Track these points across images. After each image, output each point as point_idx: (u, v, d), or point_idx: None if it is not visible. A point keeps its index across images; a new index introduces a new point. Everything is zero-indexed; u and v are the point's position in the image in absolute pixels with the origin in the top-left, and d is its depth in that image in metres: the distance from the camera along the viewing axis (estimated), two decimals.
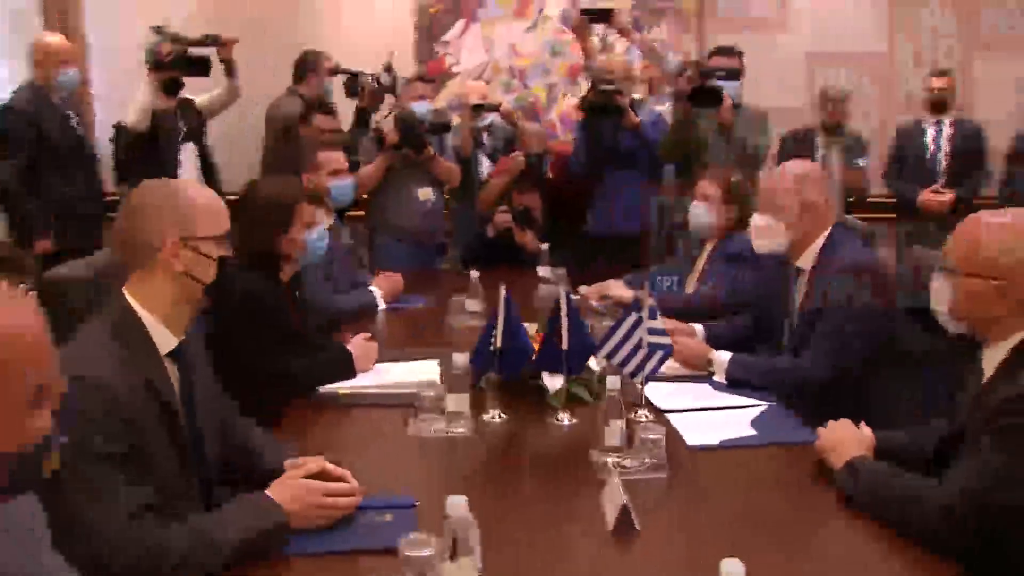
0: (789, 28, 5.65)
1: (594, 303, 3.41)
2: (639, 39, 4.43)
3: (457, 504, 1.32)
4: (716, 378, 2.50)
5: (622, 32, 4.50)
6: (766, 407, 2.28)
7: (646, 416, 2.18)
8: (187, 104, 4.32)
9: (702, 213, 3.34)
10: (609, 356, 2.31)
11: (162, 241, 1.62)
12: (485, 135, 4.80)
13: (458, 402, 2.13)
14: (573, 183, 4.60)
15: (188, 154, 4.29)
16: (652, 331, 2.23)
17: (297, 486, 1.61)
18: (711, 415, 2.24)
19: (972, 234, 1.68)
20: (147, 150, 4.07)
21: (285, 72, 5.20)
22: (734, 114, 4.06)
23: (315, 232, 2.74)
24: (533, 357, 2.28)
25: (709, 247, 3.44)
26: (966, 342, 2.35)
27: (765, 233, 2.58)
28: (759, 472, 1.94)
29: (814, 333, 2.42)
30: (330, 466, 1.69)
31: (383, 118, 4.40)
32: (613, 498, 1.68)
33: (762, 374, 2.44)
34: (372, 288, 3.47)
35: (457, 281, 3.78)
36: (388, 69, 4.49)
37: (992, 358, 1.67)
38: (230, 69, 4.34)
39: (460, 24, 5.37)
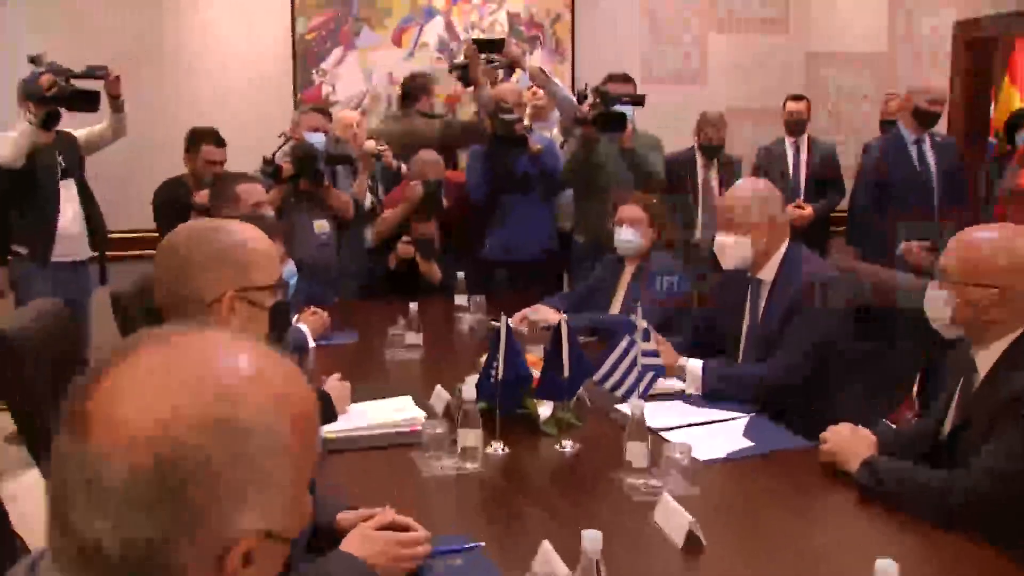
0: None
1: (522, 328, 3.46)
2: (528, 67, 4.54)
3: (594, 538, 1.35)
4: (688, 390, 2.61)
5: (515, 61, 4.61)
6: (747, 418, 2.42)
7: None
8: (66, 138, 4.04)
9: (631, 237, 3.48)
10: (603, 380, 2.39)
11: (218, 294, 1.53)
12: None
13: (472, 438, 2.13)
14: (469, 209, 4.65)
15: (68, 190, 4.00)
16: (645, 353, 2.32)
17: (375, 539, 1.57)
18: (703, 430, 2.36)
19: (970, 247, 1.88)
20: (25, 186, 3.76)
21: (159, 107, 4.99)
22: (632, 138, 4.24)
23: (285, 269, 2.65)
24: (534, 386, 2.31)
25: (630, 268, 3.59)
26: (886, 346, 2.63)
27: (731, 250, 2.74)
28: (778, 479, 2.06)
29: (785, 339, 2.58)
30: (399, 516, 1.66)
31: (278, 149, 4.27)
32: (673, 517, 1.75)
33: (738, 381, 2.58)
34: (300, 325, 3.37)
35: (382, 313, 3.76)
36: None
37: (987, 357, 1.88)
38: (117, 104, 4.09)
39: (337, 52, 5.31)
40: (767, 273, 2.73)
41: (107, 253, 4.30)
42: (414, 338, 3.25)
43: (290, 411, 0.75)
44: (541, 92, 4.76)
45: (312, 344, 3.34)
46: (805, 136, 5.42)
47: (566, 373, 2.25)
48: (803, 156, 5.39)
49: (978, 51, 5.82)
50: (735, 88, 5.80)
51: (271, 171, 4.08)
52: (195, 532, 0.70)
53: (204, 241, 1.56)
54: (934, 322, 1.96)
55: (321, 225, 4.28)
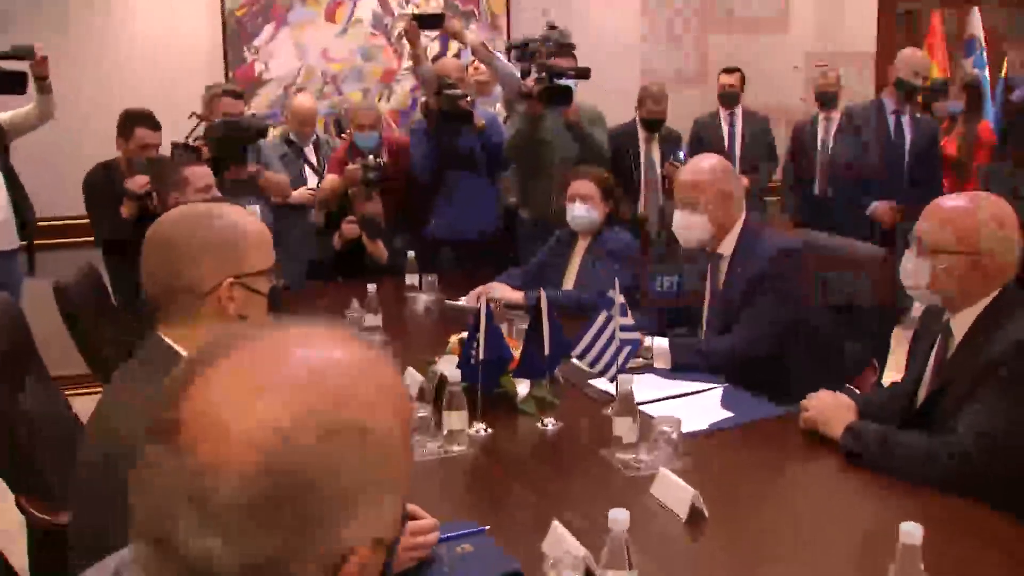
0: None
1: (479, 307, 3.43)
2: (471, 41, 4.47)
3: (621, 519, 1.34)
4: (657, 365, 2.63)
5: (455, 36, 4.53)
6: (721, 389, 2.45)
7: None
8: None
9: (584, 213, 3.48)
10: (582, 355, 2.38)
11: (214, 282, 1.46)
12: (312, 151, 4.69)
13: (458, 420, 2.10)
14: (413, 186, 4.59)
15: None
16: (623, 327, 2.32)
17: None
18: (681, 403, 2.38)
19: (946, 215, 1.93)
20: None
21: (84, 86, 4.77)
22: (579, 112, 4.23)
23: None
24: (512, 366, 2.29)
25: (583, 244, 3.59)
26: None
27: (690, 225, 2.74)
28: (764, 448, 2.09)
29: (754, 309, 2.62)
30: (407, 505, 1.62)
31: (192, 132, 4.11)
32: (674, 490, 1.76)
33: (707, 354, 2.61)
34: None
35: (333, 297, 3.68)
36: None
37: (962, 322, 1.93)
38: (44, 86, 3.87)
39: (269, 28, 5.14)
40: (726, 247, 2.76)
41: (35, 241, 4.09)
42: (373, 320, 3.19)
43: (398, 407, 0.72)
44: (483, 67, 4.70)
45: None
46: (739, 108, 5.50)
47: (546, 350, 2.23)
48: (738, 128, 5.48)
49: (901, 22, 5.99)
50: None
51: (191, 153, 3.91)
52: (316, 544, 0.65)
53: (195, 229, 1.48)
54: (910, 290, 2.01)
55: (253, 210, 4.15)
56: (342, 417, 0.67)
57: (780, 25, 6.02)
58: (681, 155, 4.76)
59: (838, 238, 3.04)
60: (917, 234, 1.97)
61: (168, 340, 1.47)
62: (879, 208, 4.67)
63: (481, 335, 2.19)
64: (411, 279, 3.82)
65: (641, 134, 4.93)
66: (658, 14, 5.81)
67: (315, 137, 4.75)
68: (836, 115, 5.49)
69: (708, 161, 2.83)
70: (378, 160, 4.33)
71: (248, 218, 1.55)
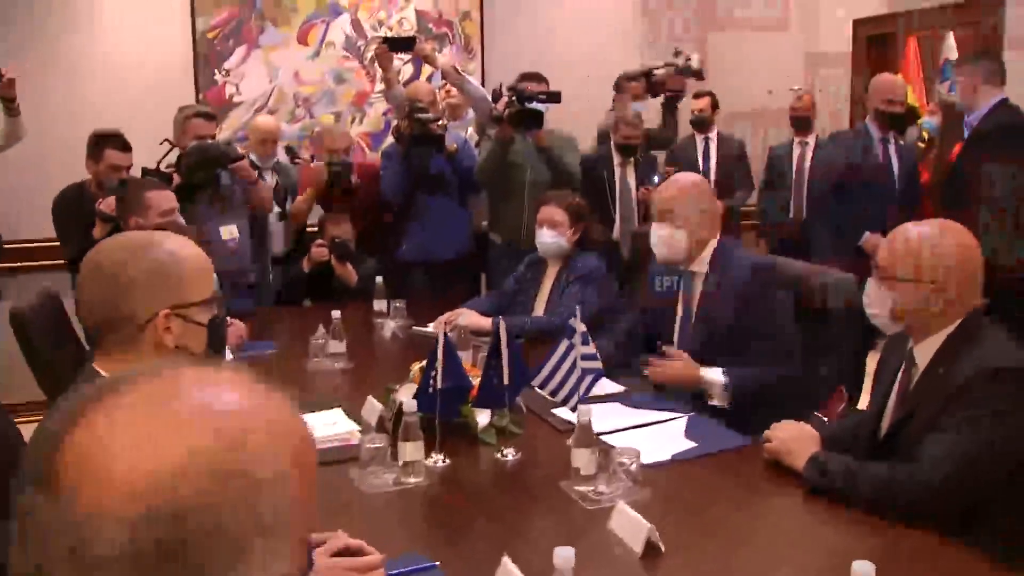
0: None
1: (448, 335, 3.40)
2: (442, 65, 4.46)
3: (567, 557, 1.30)
4: (716, 402, 2.55)
5: (426, 59, 4.53)
6: (686, 418, 2.42)
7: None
8: None
9: (551, 239, 3.46)
10: (543, 384, 2.35)
11: (150, 313, 1.42)
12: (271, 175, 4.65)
13: (414, 450, 2.06)
14: (384, 209, 4.57)
15: None
16: (584, 356, 2.29)
17: (329, 567, 1.49)
18: (644, 433, 2.34)
19: (908, 244, 1.91)
20: None
21: (53, 107, 4.73)
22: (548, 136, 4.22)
23: None
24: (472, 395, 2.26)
25: (553, 269, 3.57)
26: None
27: (667, 242, 2.72)
28: (726, 479, 2.06)
29: (766, 330, 2.57)
30: (351, 540, 1.58)
31: (163, 158, 4.07)
32: (630, 524, 1.72)
33: (761, 383, 2.56)
34: None
35: (300, 321, 3.65)
36: None
37: (925, 350, 1.92)
38: (12, 109, 3.82)
39: (241, 50, 5.12)
40: (700, 265, 2.74)
41: (2, 265, 4.03)
42: (337, 346, 3.15)
43: (295, 452, 0.68)
44: (454, 91, 4.69)
45: (229, 357, 3.20)
46: (713, 132, 5.53)
47: (506, 380, 2.20)
48: (712, 152, 5.50)
49: (877, 47, 6.02)
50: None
51: (162, 178, 3.86)
52: None
53: (133, 258, 1.44)
54: (874, 318, 1.99)
55: (229, 231, 4.12)
56: (232, 464, 0.63)
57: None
58: (655, 179, 4.75)
59: (808, 264, 3.03)
60: (878, 262, 1.96)
61: (103, 373, 1.43)
62: (871, 240, 4.55)
63: (440, 363, 2.16)
64: (379, 304, 3.79)
65: (616, 158, 4.92)
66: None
67: (275, 160, 4.69)
68: (811, 139, 5.53)
69: (688, 178, 2.85)
70: (344, 158, 4.33)
71: (188, 247, 1.51)
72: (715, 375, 2.56)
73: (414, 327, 3.53)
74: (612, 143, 4.89)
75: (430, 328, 3.46)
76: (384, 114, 5.40)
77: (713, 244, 2.73)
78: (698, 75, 5.06)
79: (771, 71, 5.94)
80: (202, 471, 0.62)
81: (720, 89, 5.62)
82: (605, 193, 4.83)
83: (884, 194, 4.42)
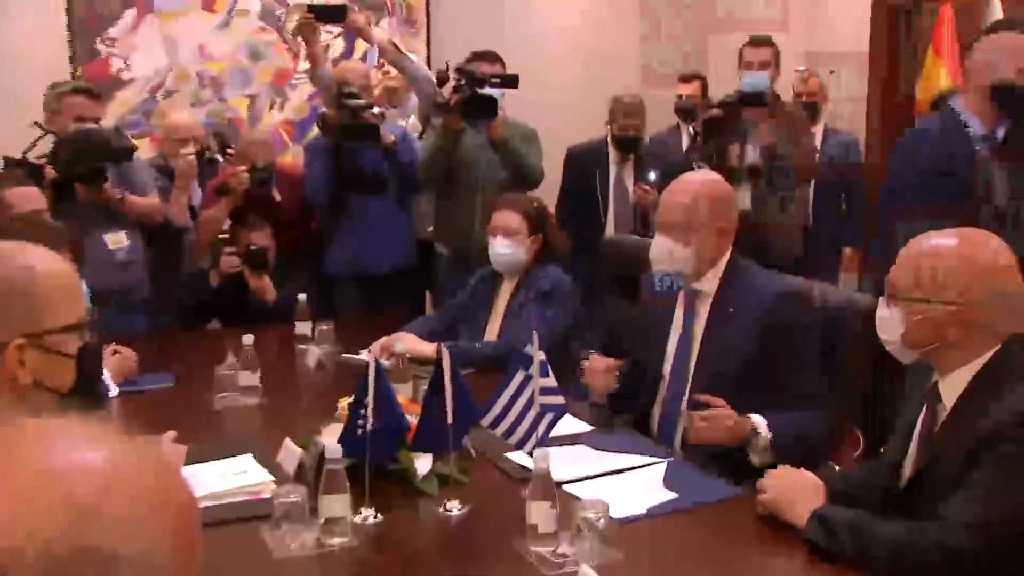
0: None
1: (384, 363, 3.38)
2: (377, 40, 4.46)
3: None
4: (757, 460, 2.47)
5: (360, 33, 4.53)
6: (665, 463, 2.43)
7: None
8: None
9: (506, 250, 3.47)
10: (494, 424, 2.35)
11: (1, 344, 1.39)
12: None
13: (338, 505, 2.04)
14: (307, 214, 4.56)
15: None
16: (544, 389, 2.29)
17: None
18: (616, 481, 2.35)
19: (921, 259, 1.93)
20: None
21: None
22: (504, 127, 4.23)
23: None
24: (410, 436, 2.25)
25: (509, 285, 3.57)
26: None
27: (672, 258, 2.70)
28: (711, 537, 2.07)
29: (798, 366, 2.57)
30: None
31: (33, 145, 4.00)
32: None
33: (805, 437, 2.50)
34: None
35: (204, 348, 3.61)
36: None
37: (952, 386, 1.92)
38: None
39: (129, 16, 5.06)
40: (708, 283, 2.73)
41: None
42: (249, 379, 3.12)
43: (169, 521, 0.67)
44: (393, 71, 4.69)
45: (114, 392, 3.16)
46: (698, 120, 5.58)
47: (450, 418, 2.19)
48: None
49: (903, 19, 6.12)
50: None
51: (26, 174, 3.80)
52: None
53: None
54: (886, 345, 2.02)
55: (116, 239, 4.08)
56: (82, 539, 0.62)
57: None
58: (651, 176, 4.76)
59: (814, 283, 3.06)
60: (891, 278, 1.98)
61: None
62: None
63: (370, 398, 2.15)
64: (302, 327, 3.77)
65: (612, 154, 4.94)
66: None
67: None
68: (819, 129, 5.60)
69: (701, 180, 2.81)
70: (269, 164, 4.32)
71: (48, 261, 1.48)
72: (760, 425, 2.47)
73: (343, 355, 3.52)
74: (608, 135, 4.92)
75: (363, 355, 3.44)
76: (309, 99, 5.40)
77: (724, 261, 2.73)
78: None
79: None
80: (42, 551, 0.61)
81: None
82: (596, 194, 4.84)
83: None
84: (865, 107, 6.24)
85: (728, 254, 2.74)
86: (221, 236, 4.44)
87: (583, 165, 4.95)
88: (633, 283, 3.02)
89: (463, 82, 4.05)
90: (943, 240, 1.95)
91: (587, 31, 6.01)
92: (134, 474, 0.68)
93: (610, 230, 4.92)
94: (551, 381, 2.30)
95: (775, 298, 2.62)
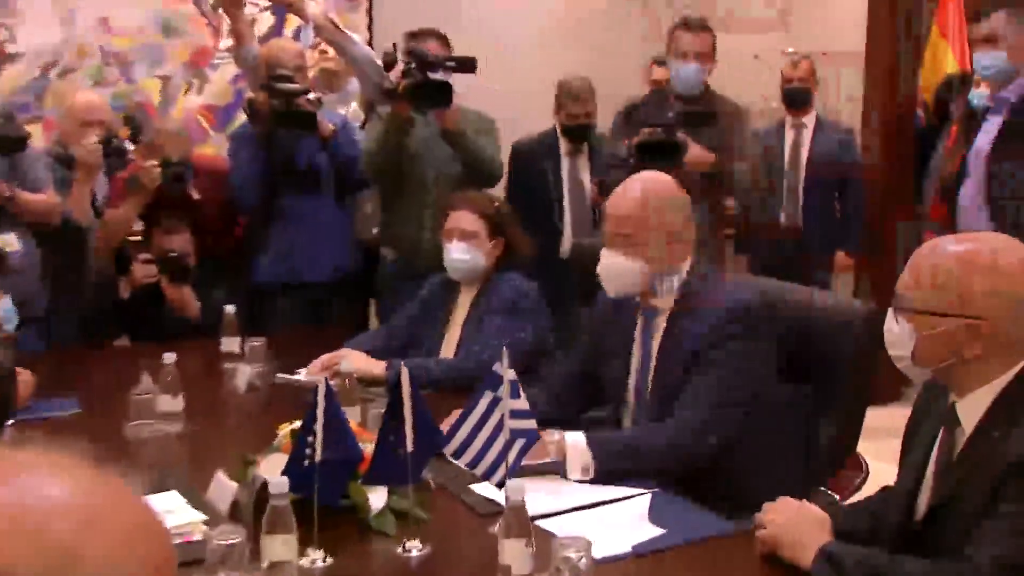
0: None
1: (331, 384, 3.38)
2: (312, 15, 4.46)
3: None
4: (573, 475, 2.57)
5: (292, 7, 4.52)
6: (650, 494, 2.46)
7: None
8: None
9: (463, 255, 3.49)
10: (458, 453, 2.36)
11: None
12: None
13: (282, 547, 2.05)
14: (233, 215, 4.55)
15: None
16: (515, 413, 2.31)
17: None
18: (595, 516, 2.37)
19: (936, 266, 1.97)
20: None
21: None
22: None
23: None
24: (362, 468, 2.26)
25: (468, 295, 3.59)
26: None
27: (620, 272, 2.77)
28: None
29: (696, 386, 2.64)
30: None
31: None
32: None
33: (641, 453, 2.61)
34: None
35: (115, 368, 3.59)
36: None
37: (972, 408, 1.96)
38: None
39: None
40: (664, 300, 2.79)
41: None
42: (170, 404, 3.11)
43: (148, 562, 0.69)
44: (331, 52, 4.69)
45: (8, 421, 3.13)
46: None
47: (409, 447, 2.21)
48: None
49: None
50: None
51: None
52: None
53: None
54: (896, 361, 2.06)
55: (6, 242, 4.03)
56: None
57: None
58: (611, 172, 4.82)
59: (809, 289, 3.11)
60: (901, 287, 2.02)
61: None
62: None
63: (319, 426, 2.15)
64: (229, 344, 3.78)
65: (563, 146, 4.99)
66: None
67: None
68: (810, 119, 5.69)
69: (651, 184, 2.84)
70: (185, 158, 4.30)
71: None
72: (576, 441, 2.60)
73: (279, 374, 3.52)
74: (556, 125, 4.96)
75: (301, 375, 3.45)
76: (232, 81, 5.39)
77: (683, 273, 2.79)
78: None
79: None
80: None
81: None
82: (548, 193, 4.88)
83: None
84: (862, 107, 6.46)
85: (687, 265, 2.80)
86: (132, 240, 4.42)
87: (531, 161, 4.99)
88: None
89: (413, 65, 4.05)
90: (958, 245, 1.99)
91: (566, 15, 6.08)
92: (111, 510, 0.69)
93: (567, 233, 4.98)
94: (522, 403, 2.32)
95: (725, 313, 2.68)
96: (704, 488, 2.52)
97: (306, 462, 2.16)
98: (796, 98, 5.71)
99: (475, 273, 3.53)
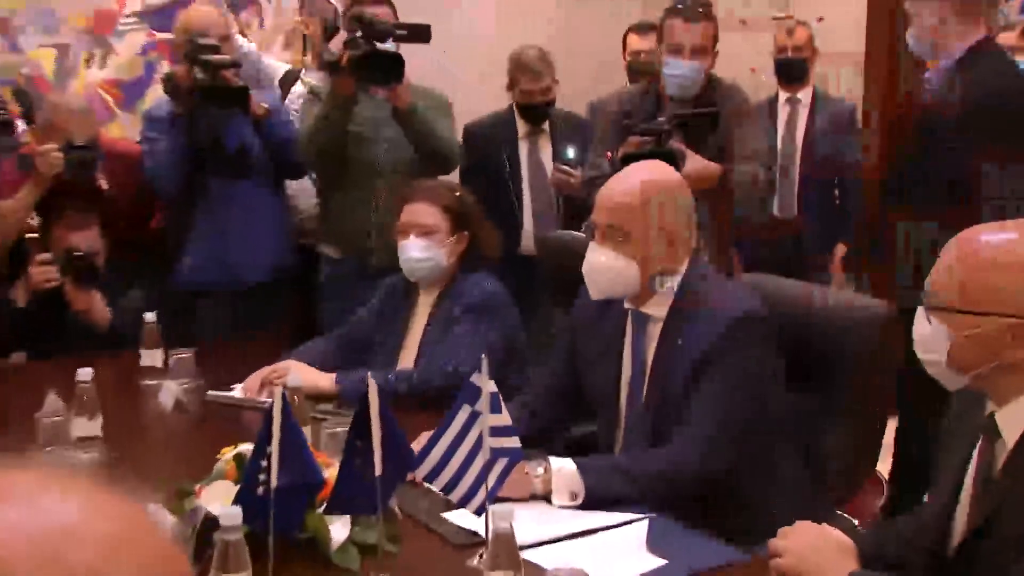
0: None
1: (267, 401, 3.38)
2: None
3: None
4: (558, 500, 2.64)
5: None
6: (647, 520, 2.53)
7: None
8: None
9: (421, 253, 3.51)
10: (431, 476, 2.40)
11: None
12: None
13: None
14: (148, 206, 4.55)
15: None
16: (495, 430, 2.35)
17: None
18: (587, 544, 2.43)
19: (972, 260, 2.04)
20: None
21: None
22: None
23: None
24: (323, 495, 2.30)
25: (428, 297, 3.63)
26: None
27: (610, 271, 2.81)
28: None
29: (697, 404, 2.71)
30: None
31: None
32: None
33: (636, 477, 2.67)
34: None
35: (21, 388, 3.58)
36: None
37: (1014, 417, 2.03)
38: None
39: None
40: (658, 306, 2.85)
41: None
42: (86, 427, 3.10)
43: None
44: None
45: None
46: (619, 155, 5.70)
47: (378, 470, 2.24)
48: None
49: None
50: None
51: None
52: None
53: None
54: (928, 366, 2.12)
55: None
56: None
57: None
58: (570, 153, 4.85)
59: (818, 288, 3.17)
60: (929, 284, 2.09)
61: None
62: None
63: (274, 449, 2.18)
64: (149, 357, 3.76)
65: (521, 127, 5.04)
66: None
67: None
68: (806, 94, 5.75)
69: (651, 174, 2.90)
70: (92, 140, 4.28)
71: None
72: (563, 466, 2.67)
73: (210, 391, 3.54)
74: (513, 104, 5.02)
75: (236, 391, 3.49)
76: (143, 52, 5.38)
77: (679, 275, 2.84)
78: None
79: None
80: None
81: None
82: (505, 180, 4.93)
83: None
84: (862, 107, 6.59)
85: (684, 267, 2.85)
86: (28, 237, 4.40)
87: (485, 145, 5.05)
88: (573, 293, 3.12)
89: (358, 34, 4.07)
90: (1000, 235, 2.05)
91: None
92: (132, 538, 0.73)
93: (527, 225, 5.05)
94: (504, 418, 2.35)
95: (721, 326, 2.74)
96: (705, 512, 2.59)
97: (260, 489, 2.19)
98: (791, 70, 5.72)
99: (435, 274, 3.57)
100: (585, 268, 2.87)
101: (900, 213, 4.12)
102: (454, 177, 4.64)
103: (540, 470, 2.66)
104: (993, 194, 3.76)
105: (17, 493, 0.73)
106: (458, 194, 3.67)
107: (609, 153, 4.21)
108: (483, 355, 2.40)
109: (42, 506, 0.72)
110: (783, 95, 5.81)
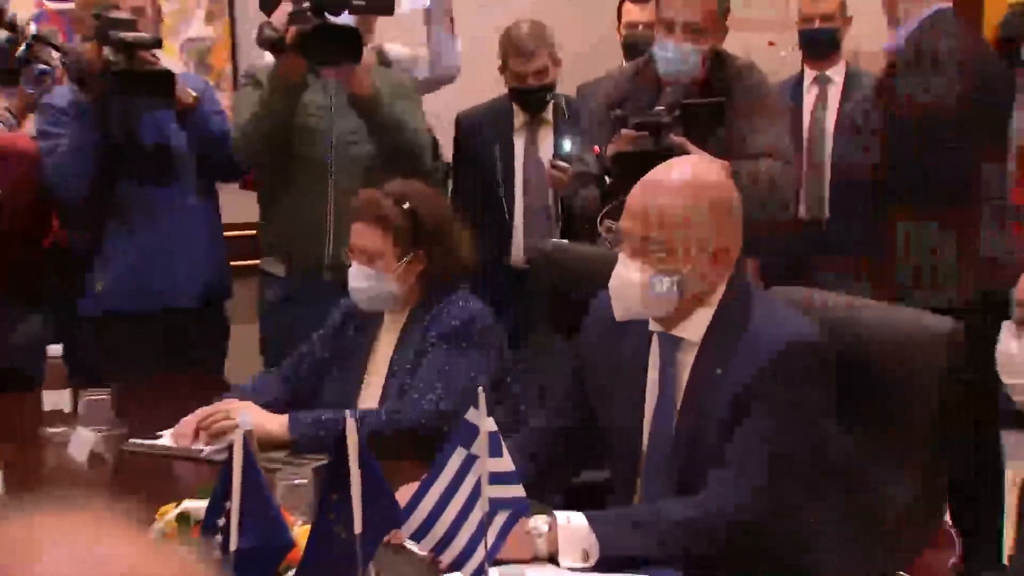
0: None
1: (205, 449, 3.38)
2: None
3: None
4: (565, 562, 2.62)
5: None
6: None
7: None
8: None
9: (366, 283, 3.52)
10: (419, 535, 2.41)
11: None
12: None
13: None
14: (47, 216, 4.55)
15: None
16: (496, 477, 2.36)
17: None
18: None
19: None
20: None
21: None
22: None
23: None
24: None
25: (395, 322, 3.62)
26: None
27: (643, 297, 2.78)
28: None
29: (738, 445, 2.71)
30: None
31: None
32: None
33: (661, 529, 2.67)
34: None
35: None
36: None
37: None
38: None
39: None
40: (693, 328, 2.84)
41: None
42: None
43: None
44: None
45: None
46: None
47: (357, 526, 2.25)
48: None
49: None
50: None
51: None
52: None
53: None
54: (1015, 394, 2.15)
55: None
56: None
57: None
58: (567, 146, 4.82)
59: (877, 305, 3.18)
60: (1017, 295, 2.12)
61: None
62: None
63: (234, 504, 2.18)
64: (54, 399, 3.72)
65: (517, 117, 5.08)
66: None
67: None
68: (837, 72, 5.76)
69: (696, 172, 2.91)
70: None
71: None
72: (573, 522, 2.65)
73: (132, 439, 3.52)
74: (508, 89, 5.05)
75: (164, 439, 3.47)
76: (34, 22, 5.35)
77: (719, 294, 2.85)
78: None
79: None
80: None
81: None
82: (496, 177, 4.97)
83: None
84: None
85: (725, 284, 2.85)
86: None
87: (479, 137, 5.09)
88: (575, 314, 3.14)
89: (306, 4, 4.07)
90: None
91: None
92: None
93: (519, 233, 5.05)
94: (505, 463, 2.35)
95: (776, 354, 2.73)
96: (741, 572, 2.61)
97: (216, 553, 2.19)
98: (819, 42, 5.75)
99: (388, 303, 3.58)
100: (614, 285, 2.84)
101: (900, 213, 4.19)
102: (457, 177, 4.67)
103: (544, 526, 2.64)
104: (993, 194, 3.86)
105: (70, 541, 0.78)
106: (406, 205, 3.56)
107: (597, 148, 4.20)
108: (479, 387, 2.42)
109: (91, 552, 0.78)
110: (810, 73, 5.83)
